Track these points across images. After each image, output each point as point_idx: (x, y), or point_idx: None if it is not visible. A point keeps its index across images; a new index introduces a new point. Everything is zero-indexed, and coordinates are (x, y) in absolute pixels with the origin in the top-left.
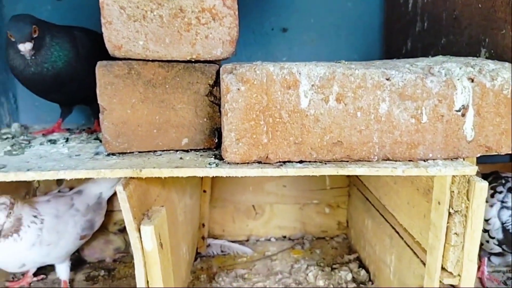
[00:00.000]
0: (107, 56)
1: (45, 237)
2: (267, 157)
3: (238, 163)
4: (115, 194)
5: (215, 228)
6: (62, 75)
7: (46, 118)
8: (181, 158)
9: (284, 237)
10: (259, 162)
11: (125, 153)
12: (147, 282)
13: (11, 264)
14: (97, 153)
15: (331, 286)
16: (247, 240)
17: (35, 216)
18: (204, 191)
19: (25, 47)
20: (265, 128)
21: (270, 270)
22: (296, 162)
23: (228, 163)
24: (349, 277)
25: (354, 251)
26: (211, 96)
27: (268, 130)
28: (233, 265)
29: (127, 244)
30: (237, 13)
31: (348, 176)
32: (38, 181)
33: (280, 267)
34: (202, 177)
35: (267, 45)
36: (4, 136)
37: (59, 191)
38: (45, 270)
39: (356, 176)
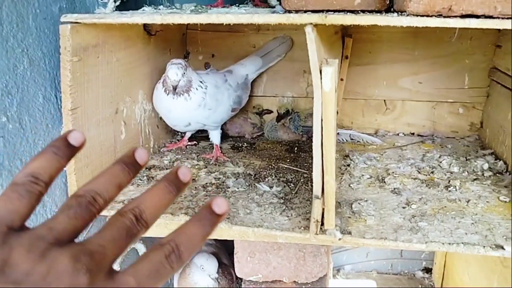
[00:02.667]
0: None
1: (207, 101)
2: (450, 8)
3: (419, 15)
4: (255, 80)
5: (344, 119)
6: None
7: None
8: (355, 15)
9: (413, 133)
10: (440, 15)
11: (300, 10)
12: (322, 120)
13: (181, 121)
14: (274, 12)
15: (466, 172)
16: (375, 133)
17: (201, 82)
18: (341, 79)
19: None
20: None
21: (401, 156)
22: (479, 15)
23: (409, 14)
24: (486, 166)
25: (488, 148)
26: None
27: None
28: (364, 150)
29: (263, 125)
30: None
31: (489, 75)
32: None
33: (411, 155)
34: (341, 65)
35: None
36: (176, 7)
37: (211, 70)
38: (195, 140)
39: (503, 72)
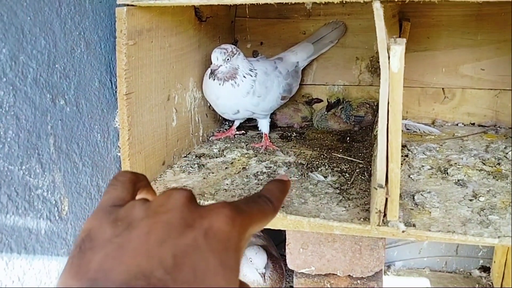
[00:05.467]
0: None
1: (257, 89)
2: None
3: None
4: (304, 68)
5: None
6: None
7: None
8: None
9: (473, 124)
10: None
11: None
12: (388, 103)
13: (229, 108)
14: None
15: None
16: (432, 123)
17: (250, 70)
18: None
19: None
20: None
21: (462, 147)
22: None
23: None
24: None
25: None
26: None
27: None
28: (422, 140)
29: (312, 114)
30: None
31: None
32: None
33: (473, 146)
34: None
35: None
36: None
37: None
38: (243, 129)
39: None
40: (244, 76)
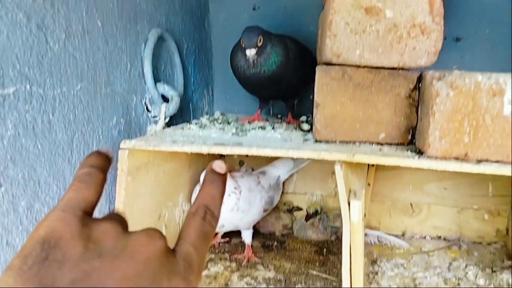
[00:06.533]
0: (308, 62)
1: (241, 205)
2: (466, 155)
3: (438, 158)
4: (287, 178)
5: (372, 220)
6: (275, 76)
7: (234, 109)
8: (380, 149)
9: (439, 237)
10: (457, 159)
11: (329, 141)
12: (350, 248)
13: None
14: (306, 140)
15: (492, 285)
16: (402, 235)
17: (235, 188)
18: (368, 184)
19: (251, 53)
20: (468, 130)
21: (428, 264)
22: (493, 161)
23: (428, 157)
24: (511, 280)
25: None
26: (410, 99)
27: (470, 132)
28: (391, 255)
29: (293, 223)
30: (443, 28)
31: None
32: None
33: (437, 262)
34: (368, 172)
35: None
36: (218, 121)
37: (246, 171)
38: (228, 236)
39: None
40: (229, 194)
